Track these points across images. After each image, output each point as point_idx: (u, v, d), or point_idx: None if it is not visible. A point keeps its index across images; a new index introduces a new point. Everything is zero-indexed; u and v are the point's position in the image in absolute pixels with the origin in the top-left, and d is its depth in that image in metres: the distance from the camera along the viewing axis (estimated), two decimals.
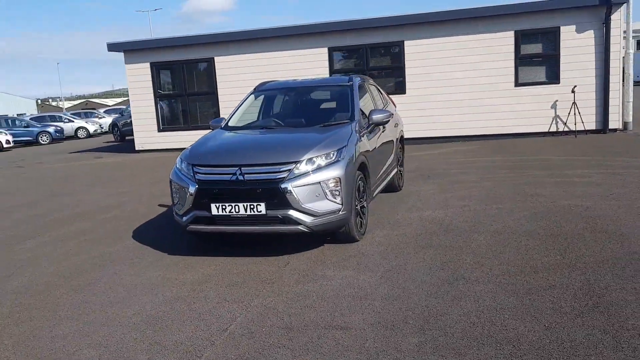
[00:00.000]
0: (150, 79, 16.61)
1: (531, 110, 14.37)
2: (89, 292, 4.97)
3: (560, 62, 14.10)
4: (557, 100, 14.22)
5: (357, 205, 5.90)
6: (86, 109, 60.24)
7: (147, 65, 16.56)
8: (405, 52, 14.90)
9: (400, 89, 15.07)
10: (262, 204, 5.28)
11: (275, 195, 5.26)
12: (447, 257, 5.20)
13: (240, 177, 5.37)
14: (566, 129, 14.25)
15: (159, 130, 16.83)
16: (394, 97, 14.88)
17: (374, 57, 15.35)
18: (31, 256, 6.31)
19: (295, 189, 5.25)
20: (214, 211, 5.41)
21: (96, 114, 38.75)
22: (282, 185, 5.24)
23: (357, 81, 7.13)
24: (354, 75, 7.42)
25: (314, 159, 5.43)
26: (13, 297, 5.00)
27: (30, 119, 33.17)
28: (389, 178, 7.63)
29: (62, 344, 3.94)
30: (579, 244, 5.29)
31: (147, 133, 16.96)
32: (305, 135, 6.03)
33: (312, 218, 5.34)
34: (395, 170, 8.15)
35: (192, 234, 5.97)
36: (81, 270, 5.63)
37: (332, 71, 15.26)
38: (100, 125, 34.25)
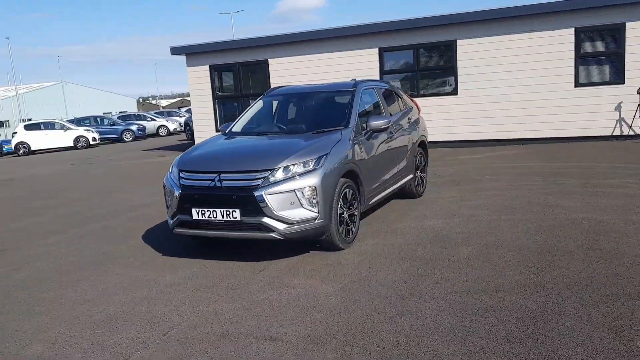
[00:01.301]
0: (209, 80, 17.23)
1: (592, 112, 13.47)
2: (71, 289, 5.30)
3: (626, 61, 13.11)
4: (621, 102, 13.25)
5: (343, 214, 5.87)
6: (181, 106, 63.53)
7: (207, 67, 17.18)
8: (458, 51, 14.45)
9: (451, 89, 14.66)
10: (237, 211, 5.39)
11: (249, 202, 5.35)
12: (418, 271, 5.06)
13: (218, 184, 5.51)
14: (631, 133, 13.24)
15: (217, 130, 17.39)
16: (445, 99, 14.68)
17: (425, 57, 15.01)
18: (46, 251, 6.81)
19: (268, 196, 5.31)
20: (195, 216, 5.59)
21: (177, 113, 40.64)
22: (256, 193, 5.32)
23: (362, 87, 7.06)
24: (361, 80, 7.34)
25: (290, 167, 5.47)
26: (8, 289, 5.44)
27: (117, 117, 35.39)
28: (397, 185, 7.47)
29: (19, 338, 4.25)
30: (563, 262, 4.97)
31: (206, 133, 17.54)
32: (290, 142, 6.06)
33: (286, 226, 5.37)
34: (411, 176, 7.97)
35: (186, 237, 6.19)
36: (78, 268, 6.00)
37: (382, 72, 15.13)
38: (179, 124, 35.88)
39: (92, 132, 29.77)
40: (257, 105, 7.51)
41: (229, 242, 6.37)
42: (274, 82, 16.29)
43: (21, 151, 28.71)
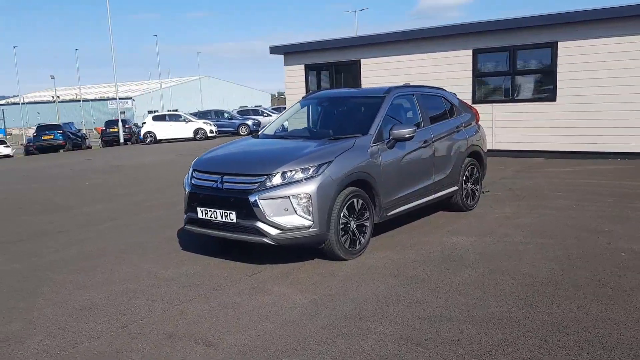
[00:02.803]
0: (304, 79, 17.53)
1: None
2: (80, 275, 5.71)
3: None
4: None
5: (349, 224, 5.72)
6: None
7: (302, 67, 17.49)
8: (558, 54, 13.32)
9: (549, 96, 13.57)
10: (234, 213, 5.47)
11: (243, 205, 5.41)
12: (399, 290, 4.80)
13: (220, 185, 5.64)
14: None
15: None
16: (542, 105, 13.73)
17: (522, 60, 14.00)
18: (91, 236, 7.41)
19: (262, 201, 5.33)
20: (199, 215, 5.77)
21: None
22: (250, 197, 5.36)
23: (395, 93, 6.80)
24: (397, 86, 7.06)
25: (287, 173, 5.43)
26: (32, 269, 6.00)
27: (236, 112, 37.29)
28: (431, 197, 7.07)
29: (6, 315, 4.68)
30: (559, 298, 4.44)
31: None
32: (300, 147, 6.00)
33: (278, 231, 5.36)
34: (454, 188, 7.53)
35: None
36: (101, 254, 6.46)
37: (475, 74, 14.41)
38: None
39: (211, 125, 31.66)
40: (293, 108, 7.53)
41: (247, 242, 6.44)
42: (365, 82, 16.20)
43: (148, 140, 31.29)
